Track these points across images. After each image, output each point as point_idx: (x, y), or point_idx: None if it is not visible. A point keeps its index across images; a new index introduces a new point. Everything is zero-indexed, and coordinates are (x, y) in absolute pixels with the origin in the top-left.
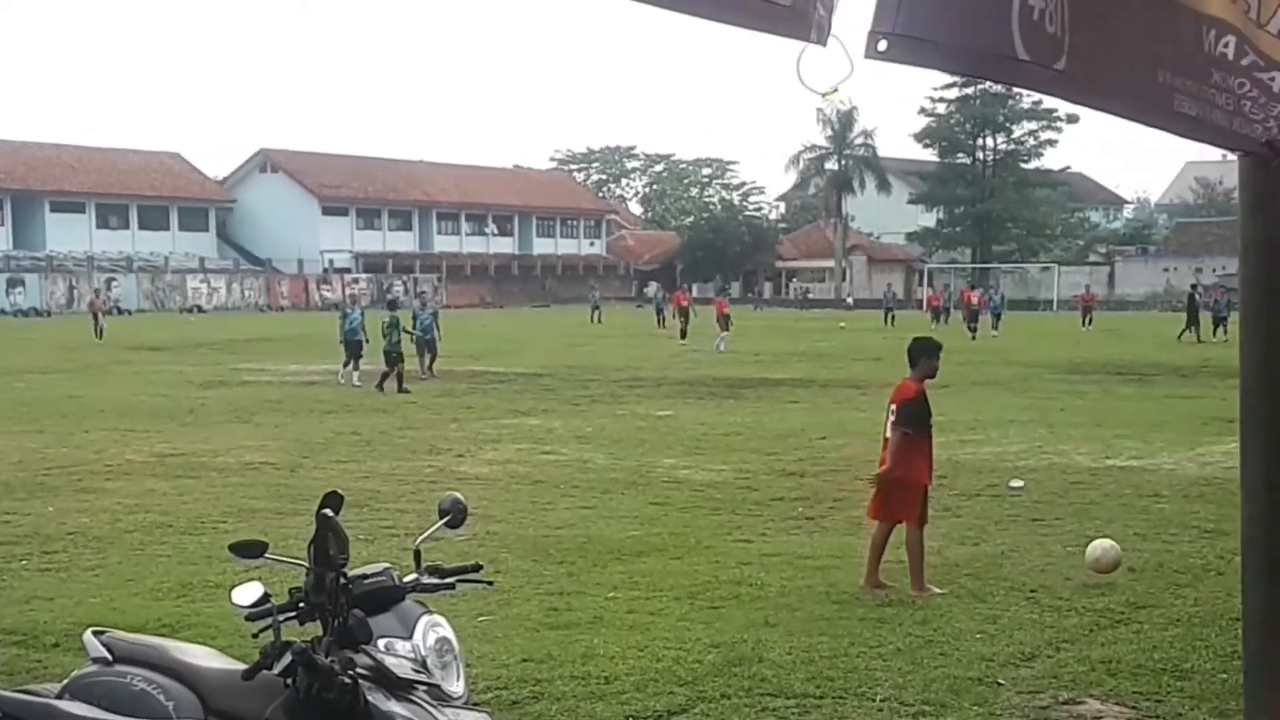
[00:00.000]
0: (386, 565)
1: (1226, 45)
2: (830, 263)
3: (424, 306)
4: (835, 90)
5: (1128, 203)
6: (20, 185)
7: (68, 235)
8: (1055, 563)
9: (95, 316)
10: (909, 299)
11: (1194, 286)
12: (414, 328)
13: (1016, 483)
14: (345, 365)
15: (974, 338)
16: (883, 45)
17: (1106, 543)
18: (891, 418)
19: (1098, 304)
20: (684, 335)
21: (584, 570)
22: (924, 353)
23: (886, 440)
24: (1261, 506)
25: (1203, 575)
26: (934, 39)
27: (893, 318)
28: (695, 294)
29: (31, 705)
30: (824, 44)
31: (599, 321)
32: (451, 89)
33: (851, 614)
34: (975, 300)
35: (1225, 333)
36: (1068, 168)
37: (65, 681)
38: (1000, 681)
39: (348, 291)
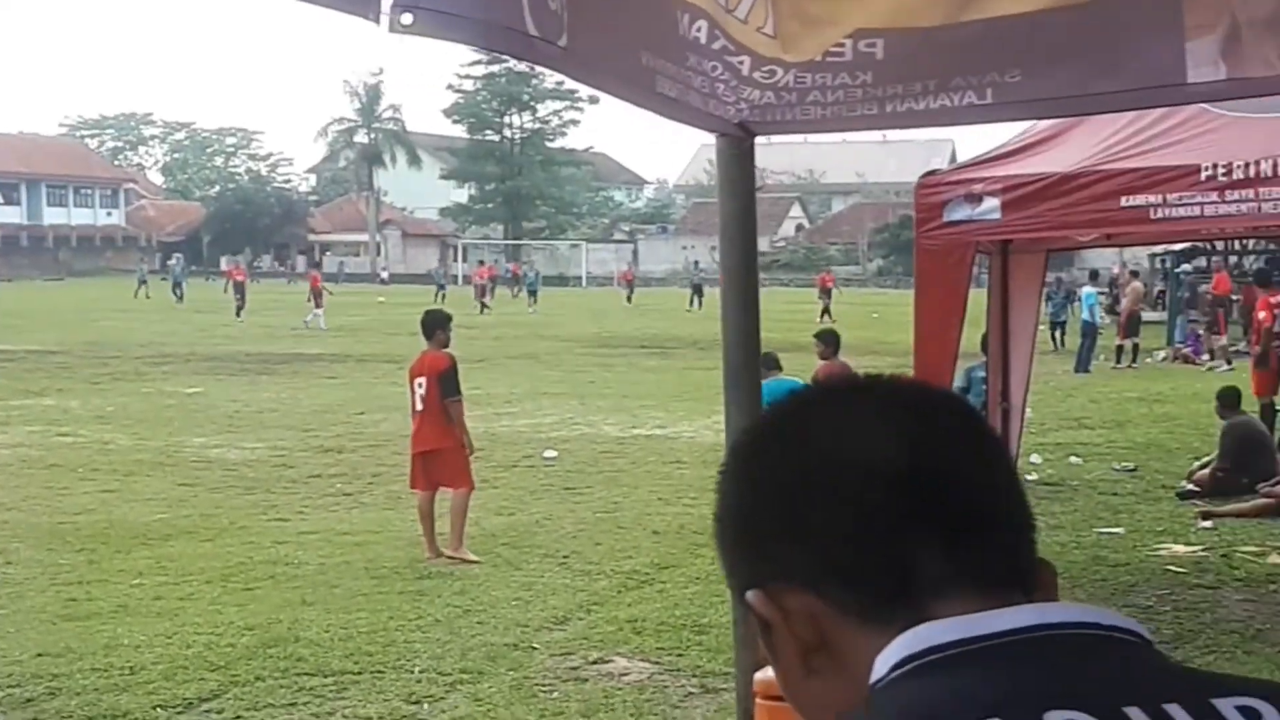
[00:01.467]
0: None
1: (699, 29)
2: (364, 236)
3: None
4: (381, 70)
5: (649, 183)
6: None
7: None
8: (586, 529)
9: None
10: (445, 274)
11: (696, 264)
12: None
13: (550, 453)
14: None
15: (482, 313)
16: (407, 19)
17: None
18: (421, 390)
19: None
20: (239, 313)
21: (106, 557)
22: (438, 324)
23: (417, 413)
24: None
25: None
26: (454, 12)
27: (443, 295)
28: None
29: None
30: (377, 20)
31: (147, 297)
32: None
33: (390, 588)
34: (483, 277)
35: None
36: (591, 148)
37: None
38: (534, 646)
39: None
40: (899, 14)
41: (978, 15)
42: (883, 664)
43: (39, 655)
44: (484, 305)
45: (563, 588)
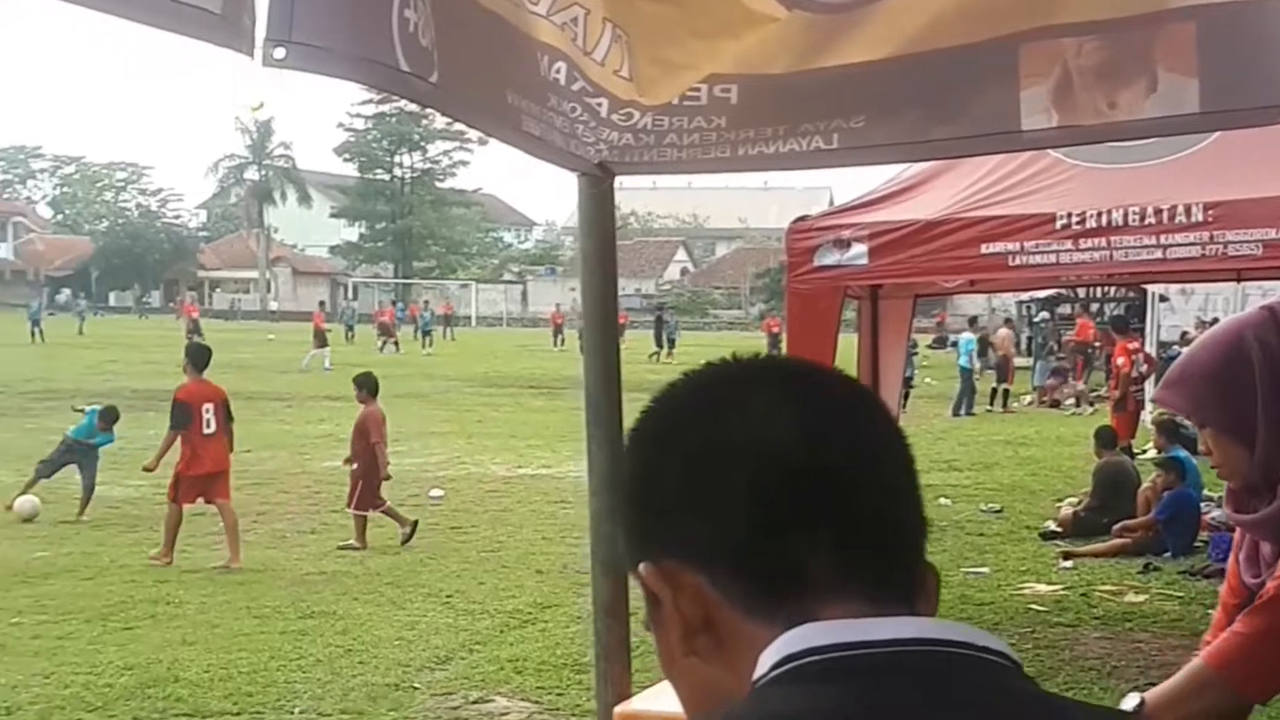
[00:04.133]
0: None
1: (559, 71)
2: (254, 273)
3: None
4: (260, 105)
5: (537, 224)
6: None
7: None
8: (470, 568)
9: None
10: (336, 312)
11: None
12: None
13: (436, 492)
14: None
15: (383, 350)
16: (280, 53)
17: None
18: (210, 415)
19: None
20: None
21: None
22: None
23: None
24: (605, 502)
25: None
26: (327, 47)
27: (352, 334)
28: (113, 302)
29: None
30: (251, 54)
31: (41, 339)
32: None
33: (272, 628)
34: (388, 317)
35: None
36: (480, 189)
37: None
38: (415, 686)
39: None
40: (751, 61)
41: (824, 63)
42: (764, 662)
43: None
44: (394, 344)
45: (445, 627)
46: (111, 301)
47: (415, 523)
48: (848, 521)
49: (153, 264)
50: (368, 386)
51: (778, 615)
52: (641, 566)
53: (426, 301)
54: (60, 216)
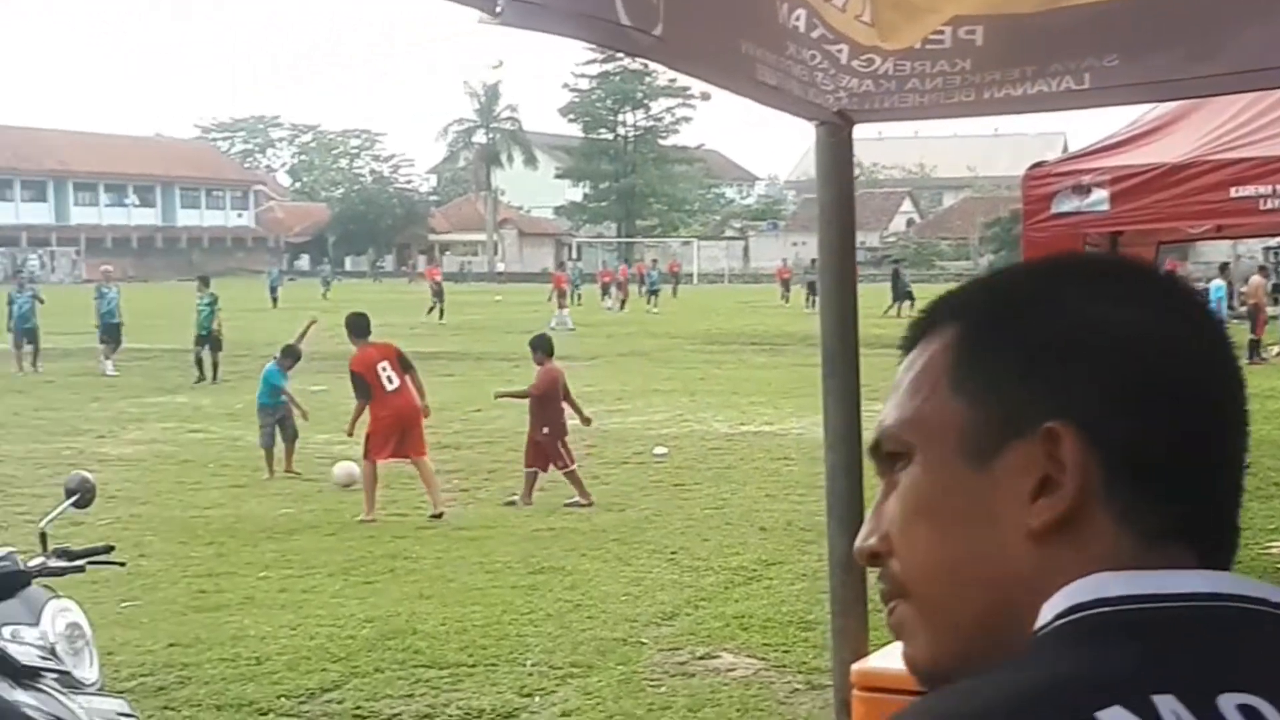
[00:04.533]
0: (9, 549)
1: (798, 18)
2: (482, 236)
3: (21, 289)
4: (500, 64)
5: (760, 179)
6: None
7: None
8: (695, 525)
9: None
10: (579, 273)
11: (813, 262)
12: (10, 315)
13: (660, 450)
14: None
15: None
16: (499, 9)
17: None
18: (388, 372)
19: (734, 277)
20: (440, 314)
21: (234, 550)
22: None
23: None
24: (841, 457)
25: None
26: (543, 2)
27: (579, 295)
28: (348, 267)
29: None
30: (496, 15)
31: (326, 298)
32: (90, 55)
33: (504, 583)
34: (622, 274)
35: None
36: (702, 145)
37: None
38: (642, 641)
39: (101, 269)
40: (997, 1)
41: (1076, 0)
42: (1049, 610)
43: (170, 645)
44: (621, 302)
45: (671, 583)
46: (347, 266)
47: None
48: (1185, 457)
49: (385, 229)
50: (543, 348)
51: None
52: (1052, 424)
53: (655, 260)
54: (298, 184)
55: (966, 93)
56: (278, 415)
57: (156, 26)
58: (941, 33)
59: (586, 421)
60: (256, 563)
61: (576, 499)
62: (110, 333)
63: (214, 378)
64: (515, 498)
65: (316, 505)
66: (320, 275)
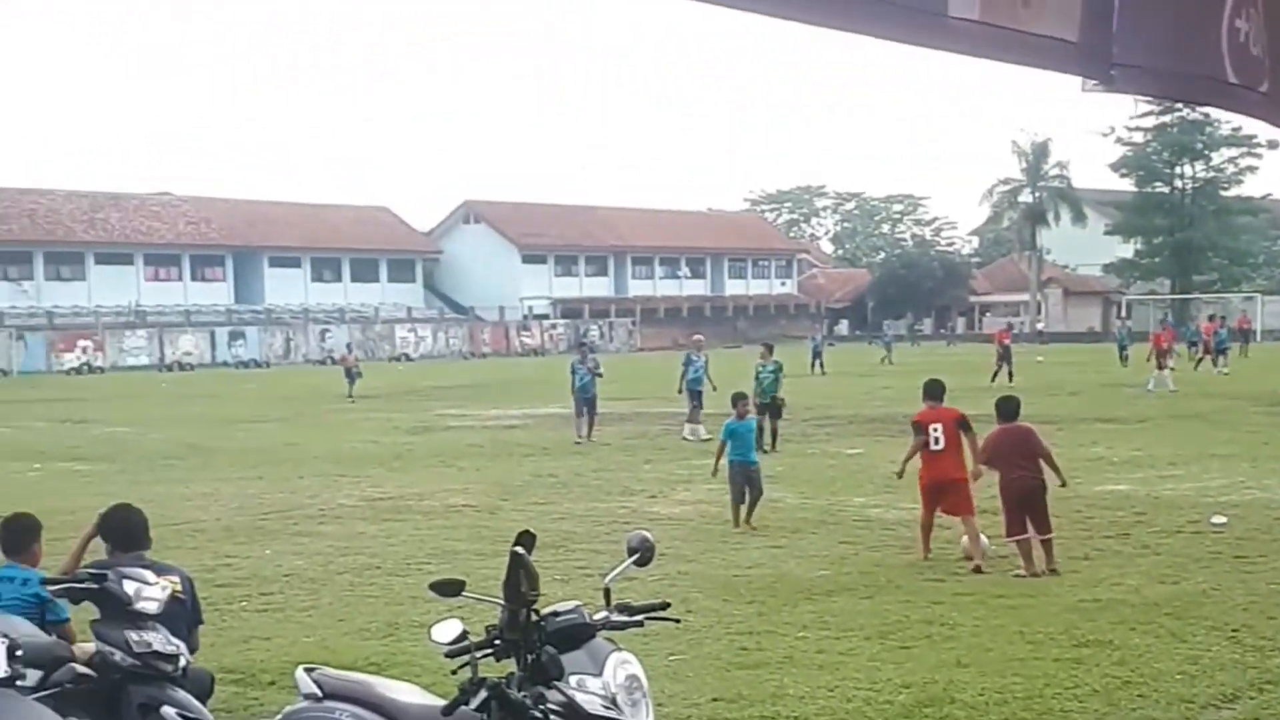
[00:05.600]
0: (577, 603)
1: None
2: (1025, 296)
3: (583, 360)
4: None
5: None
6: (241, 242)
7: (285, 288)
8: (1259, 601)
9: (348, 374)
10: (1128, 332)
11: None
12: (573, 386)
13: (1219, 519)
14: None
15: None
16: (1113, 74)
17: None
18: (937, 434)
19: None
20: (1010, 376)
21: (774, 609)
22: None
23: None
24: None
25: None
26: (1154, 66)
27: (1125, 355)
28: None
29: None
30: (1110, 82)
31: (890, 363)
32: (646, 136)
33: (1046, 654)
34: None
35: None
36: (1269, 195)
37: (278, 717)
38: None
39: (693, 338)
40: None
41: None
42: None
43: (714, 700)
44: (1197, 362)
45: (1232, 663)
46: (884, 330)
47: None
48: None
49: (925, 292)
50: (1003, 411)
51: None
52: None
53: (1223, 318)
54: (840, 251)
55: None
56: (743, 478)
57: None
58: None
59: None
60: (795, 622)
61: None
62: (694, 397)
63: (774, 446)
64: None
65: (853, 568)
66: (881, 339)
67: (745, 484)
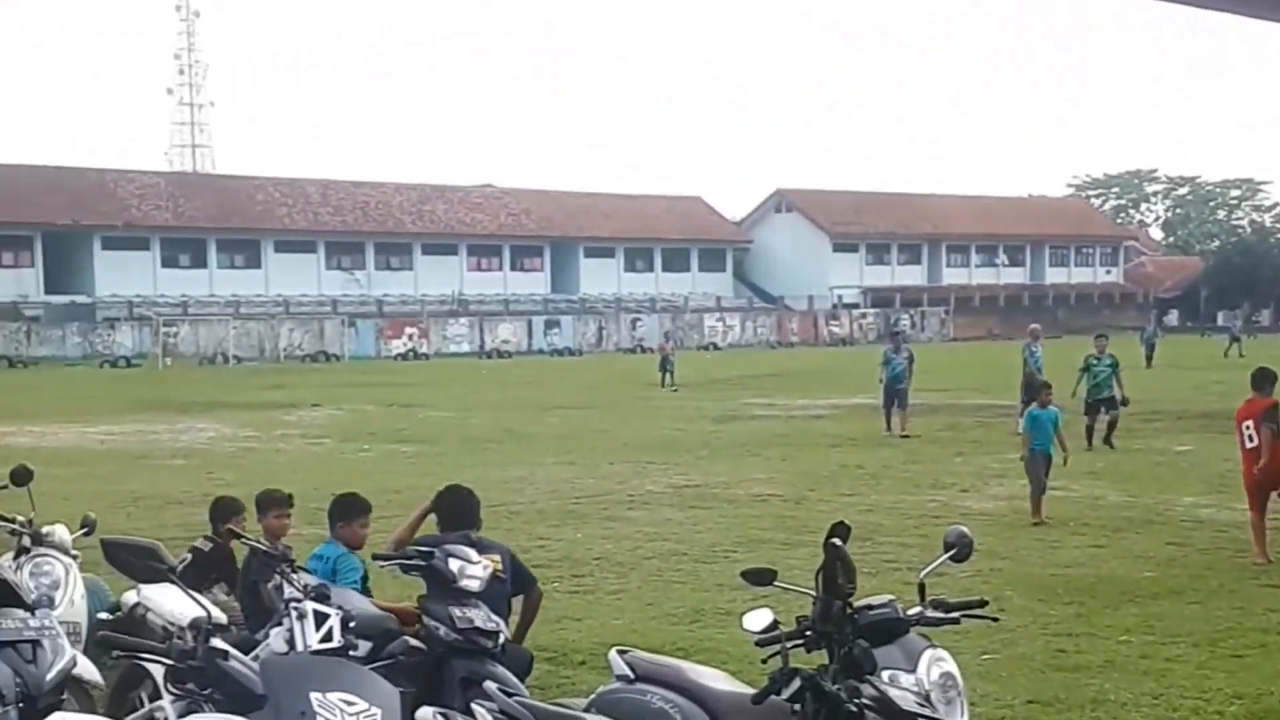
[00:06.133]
0: (890, 597)
1: None
2: None
3: (897, 350)
4: None
5: None
6: (559, 232)
7: (599, 278)
8: None
9: (665, 362)
10: None
11: None
12: (883, 377)
13: None
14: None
15: None
16: None
17: None
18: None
19: None
20: None
21: (1094, 611)
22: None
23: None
24: None
25: None
26: None
27: None
28: (1219, 321)
29: (563, 718)
30: None
31: (1240, 355)
32: (962, 121)
33: None
34: None
35: None
36: None
37: (592, 696)
38: None
39: (1030, 328)
40: None
41: None
42: None
43: (1029, 702)
44: None
45: None
46: (1219, 321)
47: None
48: None
49: (1264, 281)
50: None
51: None
52: None
53: None
54: (1171, 238)
55: None
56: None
57: (1033, 88)
58: None
59: None
60: (1117, 625)
61: None
62: (1027, 391)
63: (1109, 443)
64: None
65: (1181, 570)
66: (1228, 330)
67: (1046, 474)
